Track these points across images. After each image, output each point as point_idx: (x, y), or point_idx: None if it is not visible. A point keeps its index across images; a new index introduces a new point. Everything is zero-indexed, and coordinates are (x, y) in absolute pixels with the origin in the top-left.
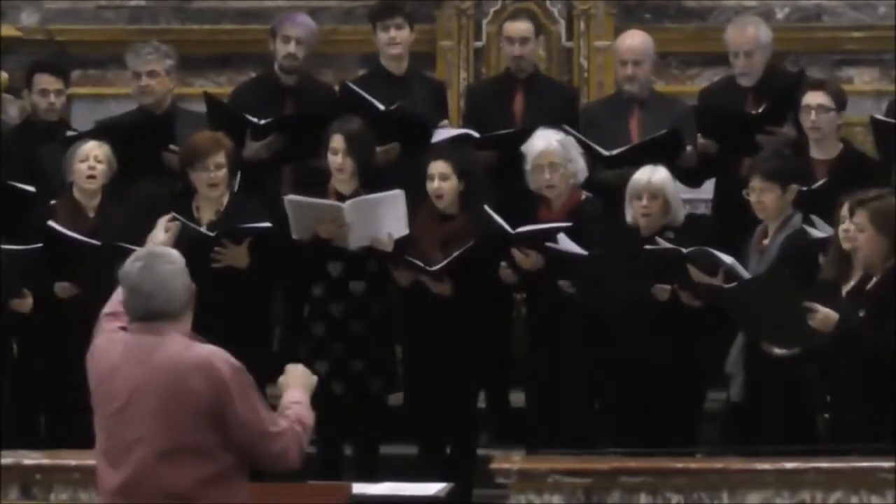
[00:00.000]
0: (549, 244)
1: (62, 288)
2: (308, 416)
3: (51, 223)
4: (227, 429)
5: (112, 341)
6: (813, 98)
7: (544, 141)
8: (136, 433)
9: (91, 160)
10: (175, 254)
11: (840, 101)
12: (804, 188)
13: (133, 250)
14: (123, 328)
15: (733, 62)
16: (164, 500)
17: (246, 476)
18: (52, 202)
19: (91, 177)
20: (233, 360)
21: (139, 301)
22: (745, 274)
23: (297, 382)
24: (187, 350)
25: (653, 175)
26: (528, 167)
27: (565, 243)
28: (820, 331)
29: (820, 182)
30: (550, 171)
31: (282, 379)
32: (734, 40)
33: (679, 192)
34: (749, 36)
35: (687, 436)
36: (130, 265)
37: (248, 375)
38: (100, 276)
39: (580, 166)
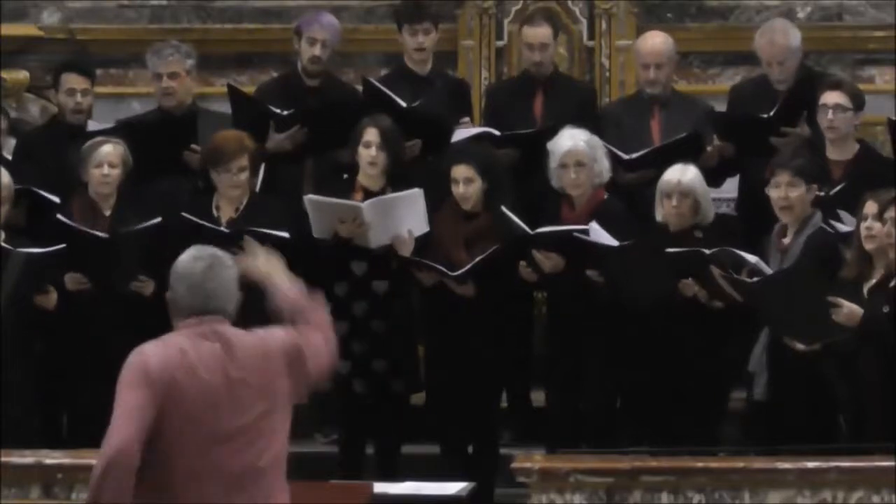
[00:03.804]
0: (578, 234)
1: (72, 279)
2: (323, 312)
3: (60, 217)
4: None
5: (168, 345)
6: (830, 98)
7: (571, 140)
8: (251, 416)
9: (105, 167)
10: (231, 259)
11: (858, 102)
12: (821, 192)
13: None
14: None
15: (766, 70)
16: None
17: None
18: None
19: (105, 182)
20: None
21: (198, 299)
22: (770, 273)
23: (280, 274)
24: (267, 335)
25: (683, 175)
26: (553, 165)
27: (597, 234)
28: (844, 326)
29: (838, 187)
30: (576, 170)
31: (260, 265)
32: (764, 51)
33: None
34: (780, 46)
35: (709, 435)
36: (192, 263)
37: None
38: (110, 269)
39: (605, 166)
